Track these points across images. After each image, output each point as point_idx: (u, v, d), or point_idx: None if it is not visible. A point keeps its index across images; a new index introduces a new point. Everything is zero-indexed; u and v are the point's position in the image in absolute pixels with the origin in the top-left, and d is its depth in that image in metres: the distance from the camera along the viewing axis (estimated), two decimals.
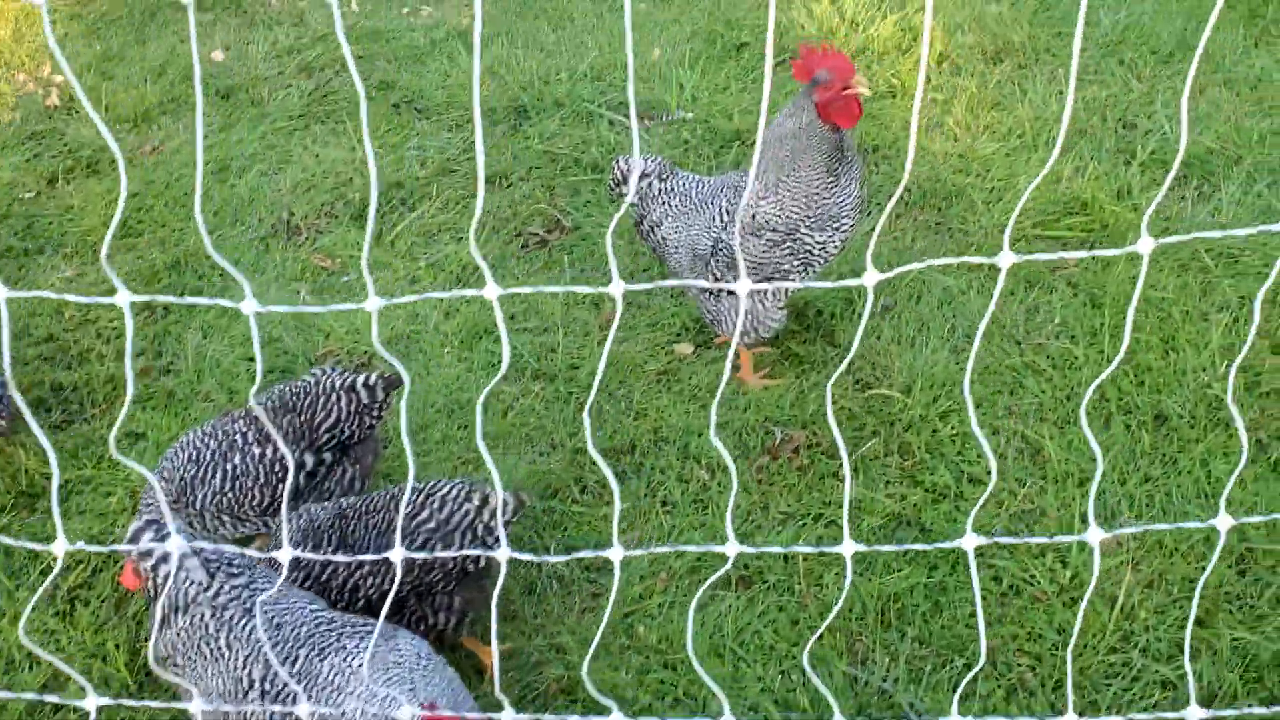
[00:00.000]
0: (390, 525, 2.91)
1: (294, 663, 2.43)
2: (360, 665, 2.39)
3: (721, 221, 3.89)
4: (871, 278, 1.53)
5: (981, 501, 2.11)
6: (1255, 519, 1.59)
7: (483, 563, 3.02)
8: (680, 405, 4.04)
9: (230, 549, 1.85)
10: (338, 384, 3.29)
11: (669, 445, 3.90)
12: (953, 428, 3.92)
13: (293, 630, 2.51)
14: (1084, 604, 2.04)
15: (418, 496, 2.97)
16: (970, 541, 1.71)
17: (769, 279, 3.80)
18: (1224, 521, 1.70)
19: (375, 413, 3.32)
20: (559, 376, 4.18)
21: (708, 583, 2.08)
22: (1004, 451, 3.83)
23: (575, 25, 6.31)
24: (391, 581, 2.91)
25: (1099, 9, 5.98)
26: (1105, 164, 5.01)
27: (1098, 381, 1.54)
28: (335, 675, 2.42)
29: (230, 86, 5.87)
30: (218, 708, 2.43)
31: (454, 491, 2.99)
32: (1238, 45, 5.65)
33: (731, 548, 1.74)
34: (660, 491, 3.75)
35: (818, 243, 3.80)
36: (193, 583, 2.52)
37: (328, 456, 3.28)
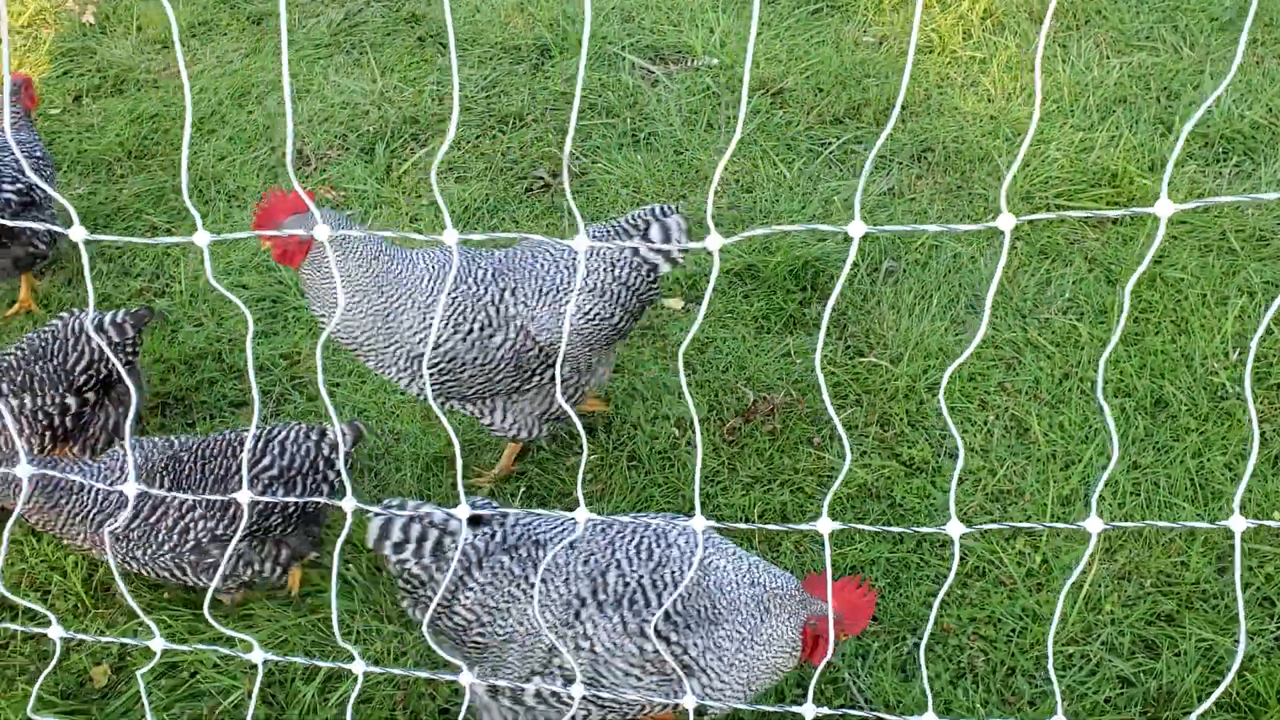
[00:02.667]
0: (228, 471, 2.94)
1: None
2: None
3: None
4: (858, 228, 1.44)
5: (955, 483, 2.02)
6: (1273, 523, 1.47)
7: (316, 507, 3.09)
8: (659, 361, 3.97)
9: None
10: (87, 325, 3.33)
11: (641, 401, 3.84)
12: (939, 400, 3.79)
13: (594, 545, 2.52)
14: (1063, 594, 1.93)
15: (258, 443, 2.99)
16: (956, 529, 1.62)
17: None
18: (1238, 524, 1.56)
19: (128, 350, 3.38)
20: None
21: None
22: (990, 429, 3.69)
23: None
24: (228, 524, 2.95)
25: None
26: (1141, 134, 4.76)
27: (1102, 360, 1.43)
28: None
29: (262, 12, 5.86)
30: (529, 646, 2.43)
31: (294, 434, 3.05)
32: None
33: (699, 522, 1.66)
34: (629, 445, 3.69)
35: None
36: (478, 536, 2.49)
37: (90, 396, 3.35)
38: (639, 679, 2.39)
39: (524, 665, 2.47)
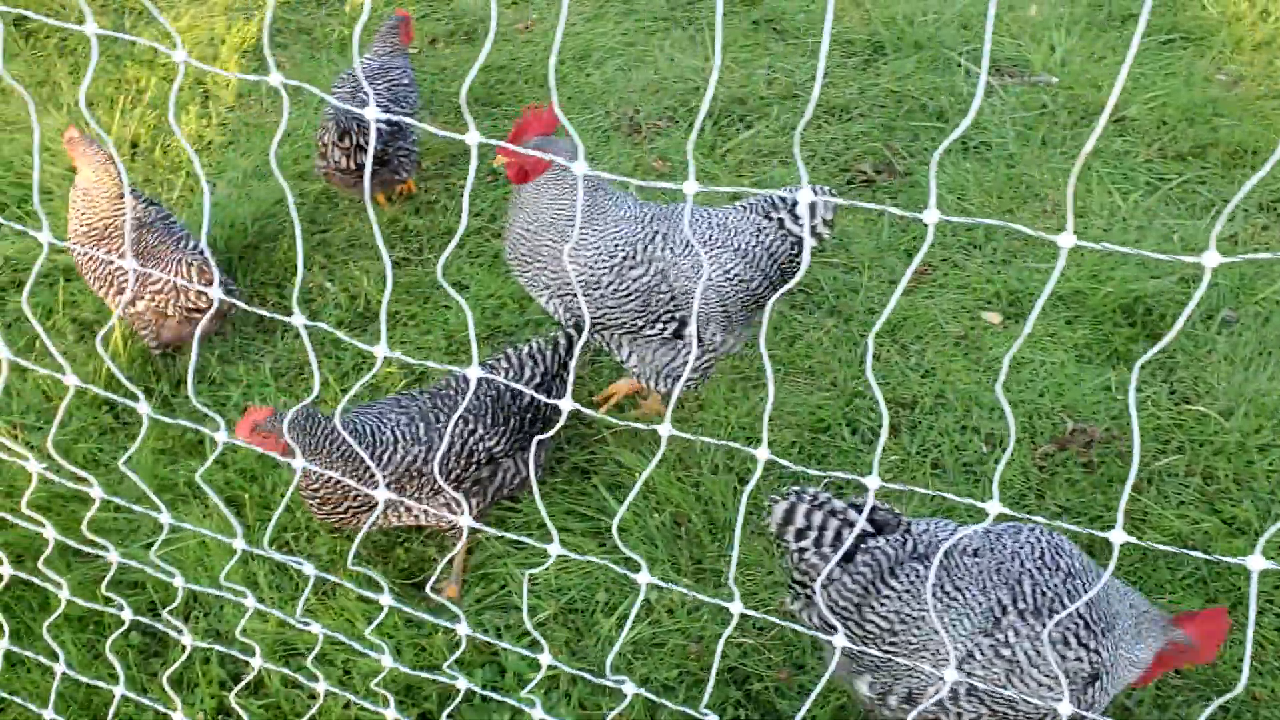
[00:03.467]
0: (484, 399, 3.22)
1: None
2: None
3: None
4: (1212, 258, 1.42)
5: (1270, 532, 1.94)
6: None
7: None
8: (973, 373, 3.92)
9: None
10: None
11: (950, 410, 3.81)
12: (1271, 463, 3.58)
13: (1001, 555, 2.51)
14: None
15: (508, 368, 3.26)
16: (1256, 563, 1.58)
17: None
18: None
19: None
20: (855, 318, 4.15)
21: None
22: None
23: None
24: (506, 440, 3.21)
25: None
26: None
27: None
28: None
29: None
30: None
31: (536, 345, 3.31)
32: None
33: (1118, 535, 1.63)
34: (933, 453, 3.67)
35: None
36: (889, 543, 2.53)
37: None
38: (1050, 688, 2.38)
39: (937, 670, 2.49)
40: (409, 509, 3.12)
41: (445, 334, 4.10)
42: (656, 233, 3.36)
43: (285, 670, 2.64)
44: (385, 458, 3.06)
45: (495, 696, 2.41)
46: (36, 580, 2.74)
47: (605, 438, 3.74)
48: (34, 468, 2.38)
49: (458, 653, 2.35)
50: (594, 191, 3.35)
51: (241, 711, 2.72)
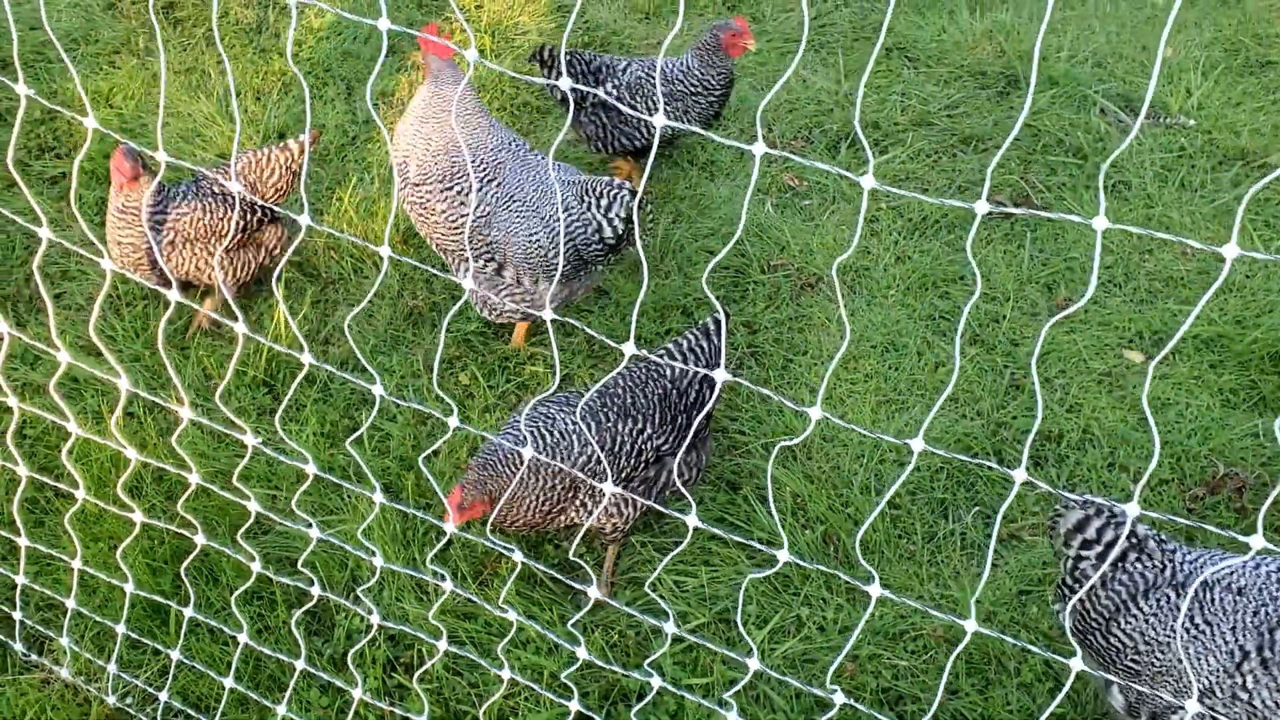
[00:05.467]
0: (651, 398, 3.28)
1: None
2: None
3: None
4: None
5: None
6: None
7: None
8: (1118, 411, 3.92)
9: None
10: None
11: (1096, 447, 3.81)
12: None
13: (1263, 599, 2.49)
14: None
15: (664, 358, 3.25)
16: None
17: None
18: None
19: None
20: (998, 348, 4.16)
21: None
22: None
23: (1086, 7, 6.07)
24: (673, 438, 3.26)
25: None
26: None
27: None
28: None
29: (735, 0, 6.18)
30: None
31: (693, 338, 3.36)
32: None
33: (1257, 541, 1.70)
34: (1080, 489, 3.68)
35: None
36: (1148, 568, 2.60)
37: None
38: None
39: (1177, 699, 2.53)
40: (586, 507, 3.18)
41: (585, 336, 4.17)
42: (509, 195, 3.80)
43: (471, 655, 2.70)
44: (572, 458, 3.13)
45: (687, 696, 2.45)
46: (229, 550, 2.82)
47: (752, 450, 3.78)
48: (250, 440, 2.46)
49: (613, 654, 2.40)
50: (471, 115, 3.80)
51: (421, 690, 2.79)
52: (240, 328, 2.23)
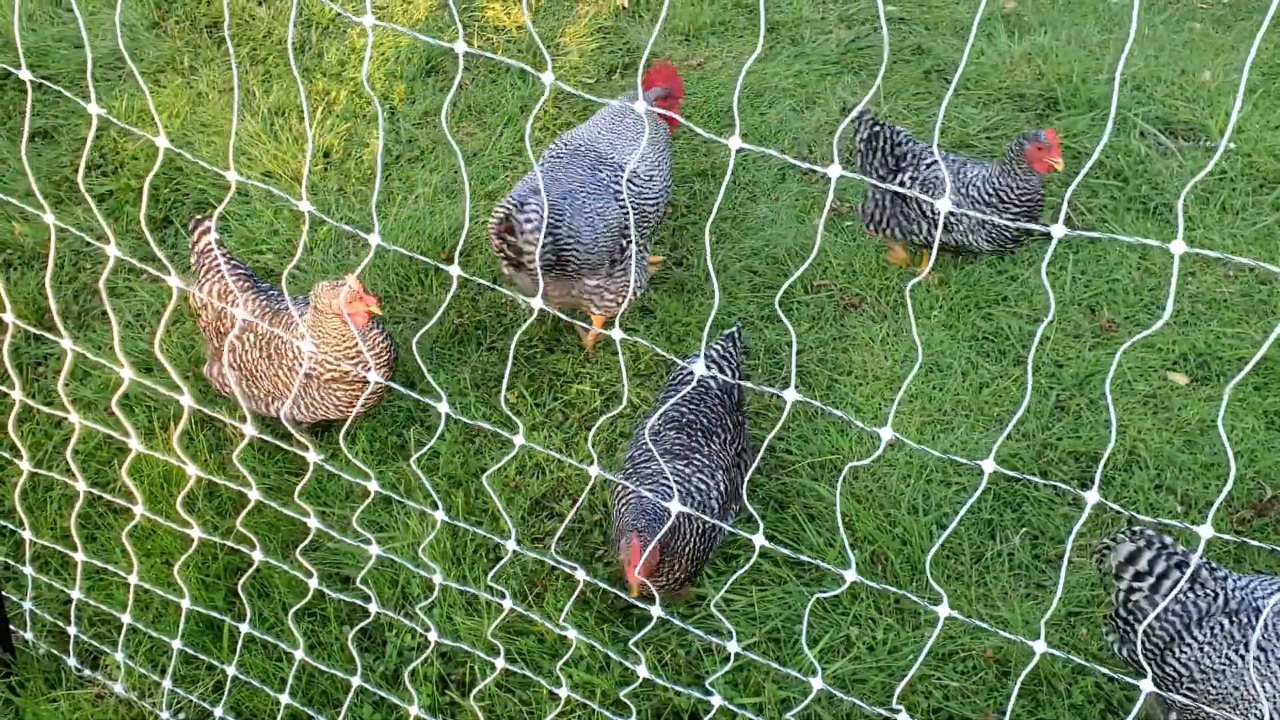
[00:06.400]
0: (716, 409, 3.41)
1: None
2: None
3: None
4: None
5: None
6: None
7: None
8: (1164, 433, 3.91)
9: None
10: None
11: (1143, 469, 3.80)
12: None
13: None
14: None
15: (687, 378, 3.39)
16: None
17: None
18: None
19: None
20: (1041, 369, 4.16)
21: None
22: None
23: (1125, 31, 6.08)
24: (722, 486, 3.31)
25: None
26: None
27: None
28: None
29: (774, 22, 6.21)
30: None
31: (720, 348, 3.54)
32: None
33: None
34: (1128, 511, 3.67)
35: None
36: (1201, 597, 2.61)
37: None
38: None
39: None
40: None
41: (633, 354, 4.20)
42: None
43: (526, 672, 2.72)
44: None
45: (745, 715, 2.46)
46: (285, 566, 2.85)
47: (798, 470, 3.79)
48: (313, 458, 2.50)
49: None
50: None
51: (478, 708, 2.80)
52: (308, 346, 2.26)
